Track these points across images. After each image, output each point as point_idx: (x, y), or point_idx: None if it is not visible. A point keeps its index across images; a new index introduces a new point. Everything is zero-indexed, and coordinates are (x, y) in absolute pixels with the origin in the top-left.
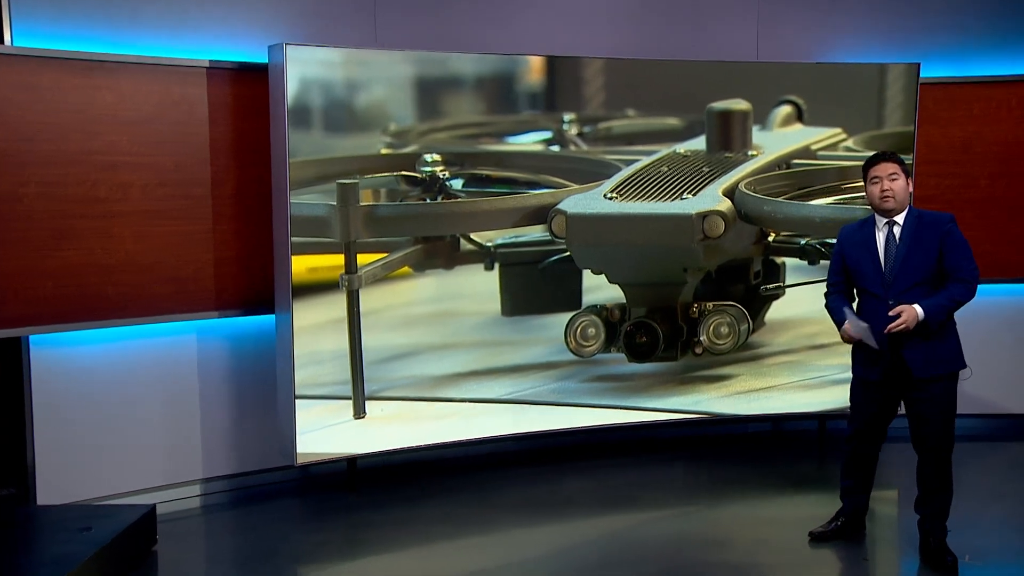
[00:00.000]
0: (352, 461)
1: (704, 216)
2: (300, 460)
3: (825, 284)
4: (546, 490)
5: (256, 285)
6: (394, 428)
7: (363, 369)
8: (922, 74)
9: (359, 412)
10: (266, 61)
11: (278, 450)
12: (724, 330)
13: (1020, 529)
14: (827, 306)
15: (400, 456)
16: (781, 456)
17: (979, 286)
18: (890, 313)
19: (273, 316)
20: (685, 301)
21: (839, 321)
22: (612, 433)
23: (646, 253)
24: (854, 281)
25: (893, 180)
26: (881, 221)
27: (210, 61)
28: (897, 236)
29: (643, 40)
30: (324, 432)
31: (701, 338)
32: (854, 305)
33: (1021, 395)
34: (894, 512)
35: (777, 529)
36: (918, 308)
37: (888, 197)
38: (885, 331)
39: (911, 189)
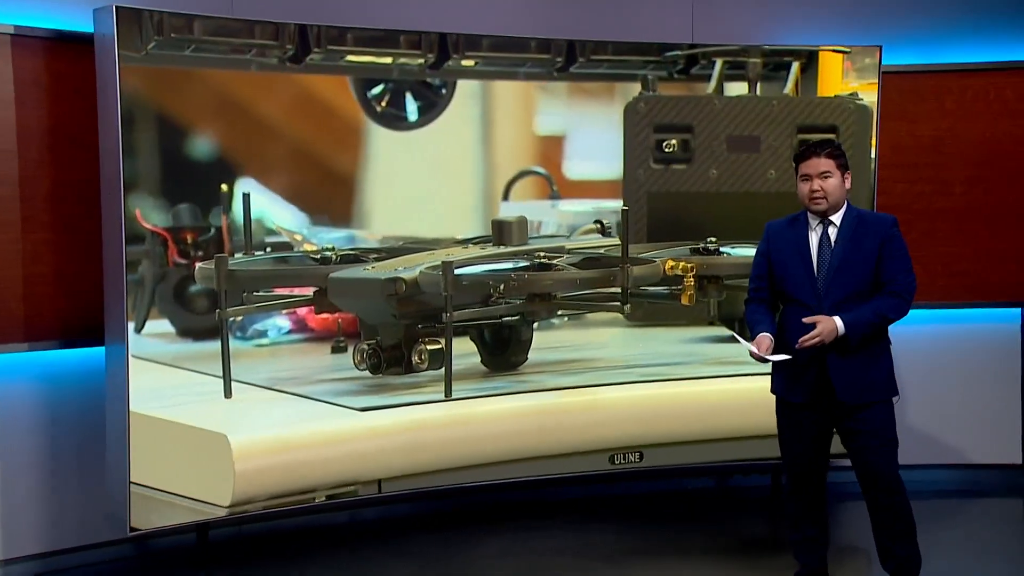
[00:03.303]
0: (203, 530)
1: (392, 280)
2: (134, 530)
3: (747, 289)
4: (447, 560)
5: (79, 309)
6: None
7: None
8: (885, 60)
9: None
10: (91, 30)
11: (105, 519)
12: (423, 356)
13: None
14: (746, 317)
15: (263, 524)
16: (727, 515)
17: (957, 311)
18: (804, 320)
19: (103, 348)
20: (409, 335)
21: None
22: (529, 491)
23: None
24: (780, 288)
25: (825, 178)
26: (814, 220)
27: (15, 27)
28: (832, 238)
29: (562, 16)
30: (166, 494)
31: (413, 359)
32: (777, 316)
33: (1007, 442)
34: (863, 572)
35: None
36: (838, 321)
37: (819, 198)
38: (797, 346)
39: (848, 186)
